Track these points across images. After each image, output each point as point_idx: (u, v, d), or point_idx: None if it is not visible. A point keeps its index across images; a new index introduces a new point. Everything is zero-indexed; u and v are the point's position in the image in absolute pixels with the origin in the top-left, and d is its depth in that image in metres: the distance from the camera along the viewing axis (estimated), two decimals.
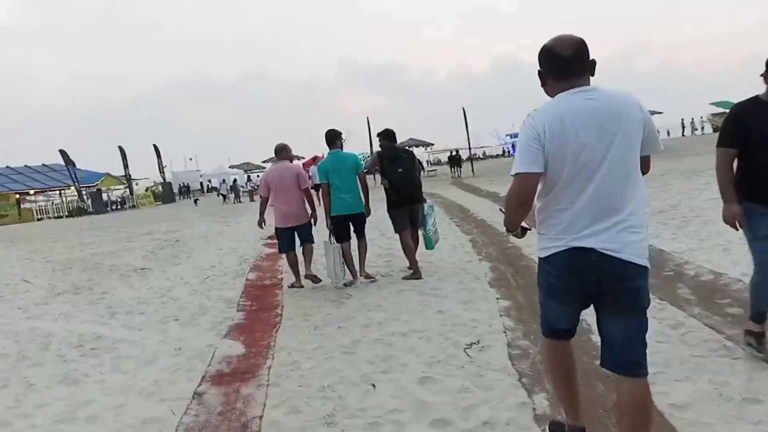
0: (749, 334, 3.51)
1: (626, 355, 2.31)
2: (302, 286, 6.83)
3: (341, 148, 6.90)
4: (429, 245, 7.15)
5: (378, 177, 7.48)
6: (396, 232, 6.92)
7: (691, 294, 4.92)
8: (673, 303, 4.70)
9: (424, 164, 52.26)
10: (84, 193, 40.20)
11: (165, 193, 45.26)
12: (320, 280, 6.80)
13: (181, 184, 52.04)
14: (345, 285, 6.61)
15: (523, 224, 2.50)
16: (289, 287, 7.01)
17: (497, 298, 5.45)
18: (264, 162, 45.83)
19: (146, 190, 50.15)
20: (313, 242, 7.04)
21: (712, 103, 52.67)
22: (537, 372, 3.61)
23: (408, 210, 6.76)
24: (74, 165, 40.78)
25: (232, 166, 49.83)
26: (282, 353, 4.58)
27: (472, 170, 34.21)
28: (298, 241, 7.04)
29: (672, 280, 5.40)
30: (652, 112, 25.50)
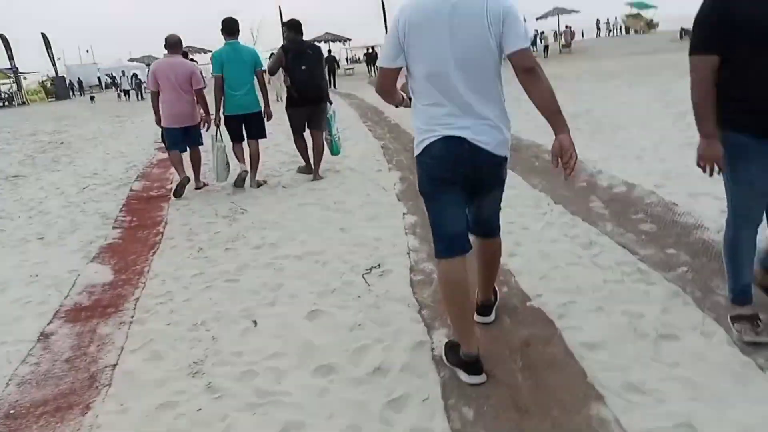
0: (739, 320, 2.54)
1: (491, 224, 2.73)
2: (188, 181, 6.41)
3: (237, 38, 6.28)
4: (335, 150, 6.88)
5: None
6: (293, 133, 6.62)
7: (604, 208, 4.67)
8: (585, 218, 4.43)
9: (342, 62, 50.36)
10: None
11: (58, 89, 41.17)
12: (205, 185, 6.56)
13: (78, 79, 47.60)
14: (235, 185, 6.35)
15: (404, 95, 2.60)
16: (174, 190, 6.40)
17: (404, 213, 5.01)
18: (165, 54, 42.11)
19: (39, 85, 45.50)
20: (201, 144, 6.61)
21: (627, 3, 53.10)
22: (438, 302, 3.23)
23: (308, 110, 6.39)
24: None
25: (131, 59, 45.67)
26: (154, 282, 3.98)
27: None
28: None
29: (585, 192, 5.14)
30: (568, 11, 25.26)
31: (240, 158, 6.41)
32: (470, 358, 2.47)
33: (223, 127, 6.28)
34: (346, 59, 54.66)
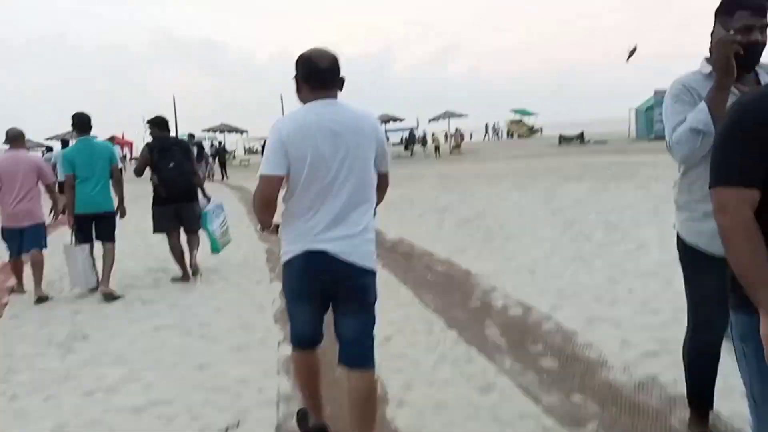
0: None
1: (357, 350, 2.52)
2: (24, 291, 6.04)
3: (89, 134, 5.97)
4: (213, 247, 6.51)
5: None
6: (154, 232, 6.36)
7: (501, 335, 4.24)
8: (482, 349, 3.96)
9: (239, 152, 49.79)
10: None
11: None
12: (48, 298, 5.80)
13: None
14: (91, 290, 5.86)
15: (276, 221, 2.58)
16: (9, 292, 5.97)
17: (279, 342, 4.31)
18: (47, 139, 39.68)
19: None
20: (44, 247, 6.03)
21: (512, 110, 57.56)
22: None
23: (175, 208, 6.13)
24: None
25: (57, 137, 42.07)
26: None
27: None
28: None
29: (480, 315, 4.72)
30: (458, 115, 26.65)
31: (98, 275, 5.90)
32: (318, 428, 2.79)
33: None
34: (244, 149, 54.27)
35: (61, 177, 6.84)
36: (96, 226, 5.84)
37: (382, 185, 2.70)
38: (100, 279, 5.81)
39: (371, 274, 2.50)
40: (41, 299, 5.73)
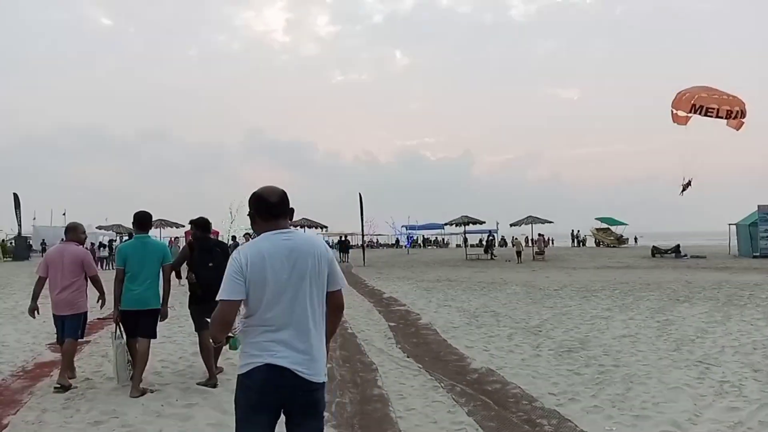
0: None
1: None
2: (69, 386, 5.79)
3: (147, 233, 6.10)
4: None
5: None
6: (196, 330, 6.25)
7: None
8: None
9: None
10: None
11: (17, 249, 39.54)
12: (68, 388, 5.73)
13: (42, 241, 46.14)
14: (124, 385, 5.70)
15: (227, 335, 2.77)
16: (54, 388, 5.72)
17: None
18: (133, 224, 41.18)
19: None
20: (80, 338, 6.17)
21: (597, 218, 55.30)
22: None
23: (212, 308, 5.10)
24: None
25: (100, 227, 44.72)
26: None
27: (363, 258, 32.07)
28: None
29: None
30: (542, 221, 25.16)
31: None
32: None
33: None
34: None
35: None
36: (138, 321, 5.79)
37: (336, 303, 2.86)
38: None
39: (323, 386, 2.72)
40: (61, 388, 5.69)
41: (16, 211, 40.63)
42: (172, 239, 37.80)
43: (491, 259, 35.51)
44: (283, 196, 2.80)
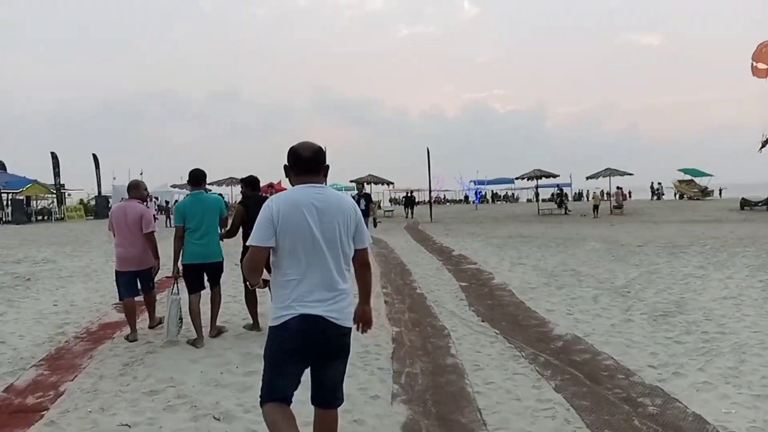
0: None
1: (333, 395, 2.91)
2: (136, 339, 5.97)
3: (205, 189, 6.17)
4: None
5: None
6: (244, 282, 5.95)
7: None
8: None
9: (386, 203, 49.83)
10: (5, 200, 36.16)
11: (98, 207, 41.31)
12: (161, 321, 6.23)
13: (121, 199, 48.17)
14: (188, 343, 5.77)
15: (264, 278, 2.97)
16: (125, 338, 6.04)
17: None
18: (211, 183, 42.37)
19: (80, 202, 46.00)
20: (153, 289, 6.47)
21: (680, 170, 51.95)
22: None
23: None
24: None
25: (174, 185, 46.11)
26: None
27: (431, 214, 31.41)
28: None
29: None
30: (621, 173, 23.62)
31: (196, 317, 5.78)
32: None
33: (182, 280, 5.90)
34: (390, 200, 54.67)
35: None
36: (208, 274, 6.00)
37: (361, 260, 2.97)
38: (201, 327, 5.82)
39: (350, 330, 2.86)
40: (155, 325, 6.38)
41: (96, 171, 42.39)
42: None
43: (565, 213, 34.06)
44: (317, 152, 2.88)
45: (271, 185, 35.72)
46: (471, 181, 61.41)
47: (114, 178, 48.04)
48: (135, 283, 6.12)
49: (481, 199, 58.65)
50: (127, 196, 6.31)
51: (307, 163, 2.84)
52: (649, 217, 28.37)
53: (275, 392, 2.77)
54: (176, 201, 39.67)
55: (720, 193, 53.06)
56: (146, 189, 6.56)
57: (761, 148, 25.62)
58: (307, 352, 2.75)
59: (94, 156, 42.11)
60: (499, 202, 62.71)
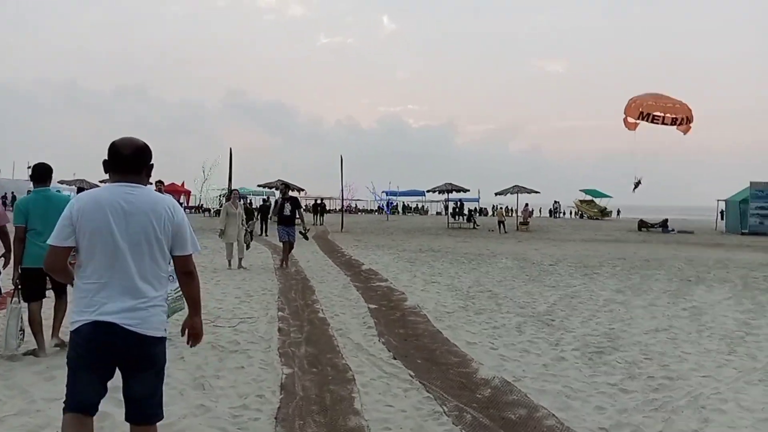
0: None
1: (143, 410, 2.67)
2: None
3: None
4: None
5: None
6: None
7: None
8: None
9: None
10: None
11: None
12: None
13: (11, 194, 44.14)
14: (25, 354, 5.20)
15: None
16: None
17: None
18: (101, 182, 39.00)
19: None
20: None
21: (582, 190, 54.07)
22: None
23: None
24: None
25: (62, 182, 42.21)
26: None
27: (342, 224, 30.24)
28: None
29: None
30: (528, 190, 23.51)
31: (36, 326, 5.27)
32: None
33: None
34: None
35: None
36: (51, 281, 5.31)
37: (181, 268, 2.75)
38: (43, 339, 5.30)
39: (160, 341, 2.66)
40: None
41: None
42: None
43: (474, 228, 34.05)
44: (139, 150, 2.70)
45: (160, 182, 33.07)
46: (383, 192, 60.91)
47: None
48: None
49: (393, 210, 58.26)
50: (22, 190, 5.52)
51: (125, 161, 2.65)
52: (554, 235, 28.75)
53: (74, 400, 2.61)
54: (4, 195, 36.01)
55: (618, 214, 55.72)
56: None
57: (634, 189, 29.52)
58: (103, 361, 2.60)
59: None
60: (410, 214, 62.61)
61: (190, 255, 2.75)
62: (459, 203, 39.65)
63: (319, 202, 37.89)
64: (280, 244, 13.01)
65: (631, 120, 25.40)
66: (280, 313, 7.46)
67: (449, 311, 7.82)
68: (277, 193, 13.46)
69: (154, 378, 2.68)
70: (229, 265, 12.18)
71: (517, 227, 33.30)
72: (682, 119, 24.83)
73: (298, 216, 12.78)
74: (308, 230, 14.30)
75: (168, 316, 6.61)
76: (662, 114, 24.84)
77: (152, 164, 2.76)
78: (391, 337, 6.33)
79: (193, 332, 2.85)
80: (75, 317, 2.59)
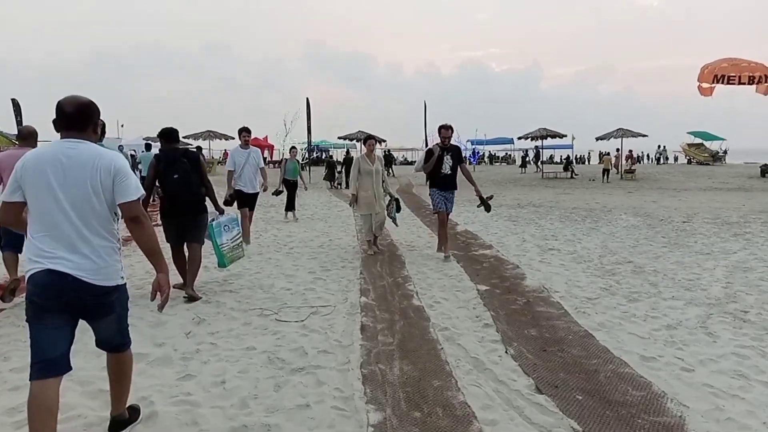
0: None
1: (111, 344, 2.88)
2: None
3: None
4: (220, 261, 6.13)
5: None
6: (167, 241, 5.86)
7: None
8: None
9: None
10: None
11: None
12: None
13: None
14: None
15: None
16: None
17: None
18: (185, 137, 38.87)
19: None
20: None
21: (690, 132, 48.84)
22: None
23: (182, 221, 5.85)
24: None
25: (147, 138, 42.55)
26: None
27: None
28: None
29: None
30: (634, 134, 20.09)
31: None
32: None
33: None
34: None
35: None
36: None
37: (127, 215, 2.72)
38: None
39: (115, 290, 2.72)
40: None
41: (17, 120, 37.61)
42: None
43: (571, 177, 31.08)
44: (81, 107, 2.74)
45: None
46: (468, 140, 57.96)
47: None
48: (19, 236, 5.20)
49: (479, 159, 55.37)
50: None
51: (67, 118, 2.72)
52: (665, 184, 25.50)
53: (40, 352, 2.61)
54: (142, 152, 35.97)
55: (724, 157, 50.01)
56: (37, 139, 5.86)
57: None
58: (57, 309, 2.62)
59: (14, 101, 33.36)
60: (497, 164, 59.49)
61: (136, 200, 2.73)
62: (536, 150, 37.69)
63: (387, 153, 35.96)
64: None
65: (705, 86, 25.17)
66: (363, 298, 5.69)
67: (590, 296, 5.76)
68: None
69: (116, 322, 2.80)
70: (369, 247, 8.30)
71: (621, 176, 30.08)
72: (760, 77, 24.29)
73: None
74: (491, 198, 8.58)
75: (226, 265, 6.15)
76: (737, 74, 24.58)
77: (100, 121, 2.92)
78: (521, 344, 4.38)
79: (160, 290, 2.78)
80: (28, 266, 2.64)
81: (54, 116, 2.73)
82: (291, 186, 12.92)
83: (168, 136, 5.97)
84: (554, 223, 11.78)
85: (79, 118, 2.71)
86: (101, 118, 3.01)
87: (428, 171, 8.18)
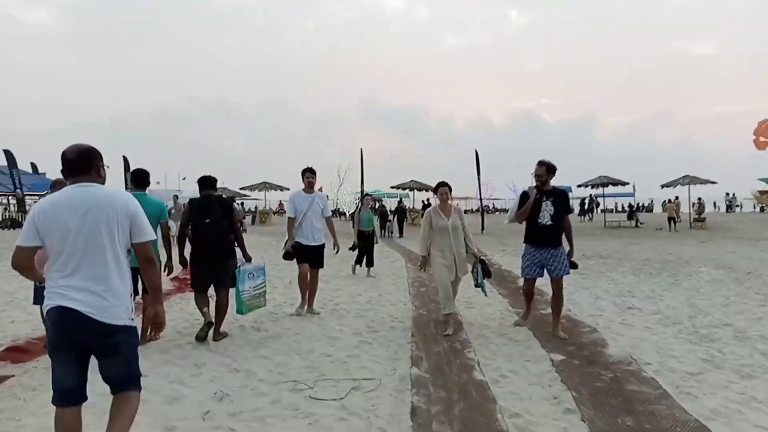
0: None
1: (117, 383, 2.87)
2: None
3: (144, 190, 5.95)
4: (239, 308, 6.10)
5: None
6: (192, 288, 6.19)
7: None
8: None
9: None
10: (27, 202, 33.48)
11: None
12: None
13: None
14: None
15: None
16: None
17: None
18: (242, 189, 39.40)
19: None
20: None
21: (761, 179, 46.11)
22: None
23: (211, 266, 5.92)
24: (17, 168, 33.81)
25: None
26: None
27: (482, 226, 26.89)
28: None
29: None
30: (702, 181, 18.60)
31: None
32: None
33: None
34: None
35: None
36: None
37: (140, 256, 2.92)
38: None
39: (123, 330, 2.80)
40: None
41: (125, 174, 39.31)
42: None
43: (636, 226, 29.43)
44: (83, 153, 2.88)
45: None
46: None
47: (158, 182, 46.66)
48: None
49: None
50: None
51: (72, 165, 2.86)
52: (738, 233, 23.63)
53: (55, 390, 2.80)
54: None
55: None
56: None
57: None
58: (69, 345, 2.76)
59: (7, 153, 31.76)
60: None
61: (149, 242, 2.92)
62: (590, 198, 36.74)
63: (424, 202, 34.72)
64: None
65: (762, 139, 25.25)
66: (414, 369, 4.86)
67: (691, 371, 4.73)
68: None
69: (123, 364, 2.84)
70: (448, 325, 6.35)
71: (690, 224, 28.24)
72: None
73: None
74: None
75: (244, 312, 6.15)
76: None
77: (103, 164, 2.97)
78: None
79: (156, 321, 3.02)
80: (45, 301, 2.79)
81: (62, 163, 2.88)
82: (367, 238, 11.63)
83: (204, 182, 6.15)
84: (627, 277, 10.65)
85: (82, 163, 2.87)
86: (104, 162, 3.04)
87: (521, 221, 6.46)
